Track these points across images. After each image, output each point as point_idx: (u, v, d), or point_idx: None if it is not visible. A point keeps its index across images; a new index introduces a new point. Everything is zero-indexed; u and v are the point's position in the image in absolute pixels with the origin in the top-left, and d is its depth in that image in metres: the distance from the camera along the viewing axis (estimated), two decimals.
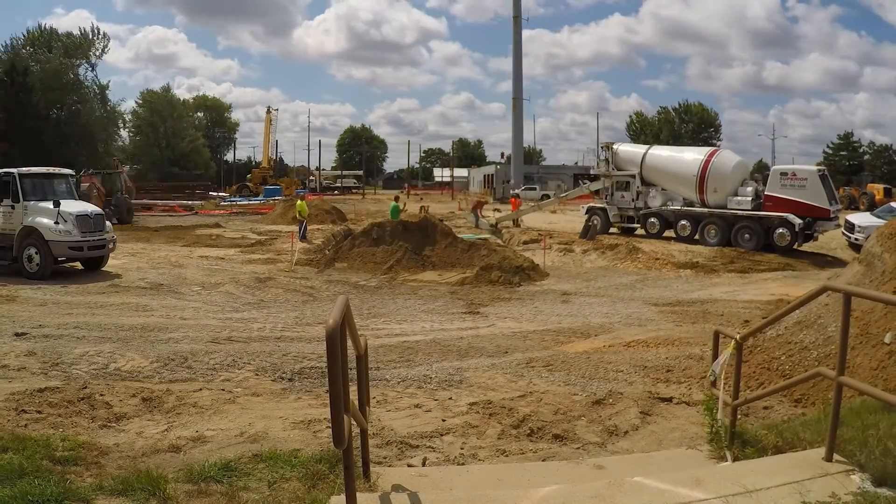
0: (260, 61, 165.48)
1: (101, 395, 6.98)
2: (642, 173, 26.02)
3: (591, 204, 28.56)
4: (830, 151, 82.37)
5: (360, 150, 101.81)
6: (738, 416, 5.25)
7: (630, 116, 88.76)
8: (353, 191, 73.91)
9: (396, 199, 27.64)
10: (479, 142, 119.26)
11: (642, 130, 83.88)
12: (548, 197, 57.55)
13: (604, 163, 27.68)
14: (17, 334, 9.65)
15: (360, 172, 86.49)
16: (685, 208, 24.14)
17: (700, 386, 7.53)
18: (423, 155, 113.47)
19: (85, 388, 7.21)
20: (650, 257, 20.34)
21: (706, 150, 26.21)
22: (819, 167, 23.24)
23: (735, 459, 4.69)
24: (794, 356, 7.49)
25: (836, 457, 4.01)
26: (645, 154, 26.57)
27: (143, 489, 4.14)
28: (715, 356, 5.96)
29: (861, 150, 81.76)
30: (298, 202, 27.80)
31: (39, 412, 6.40)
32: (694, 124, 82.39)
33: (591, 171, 31.47)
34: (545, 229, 27.87)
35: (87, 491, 4.12)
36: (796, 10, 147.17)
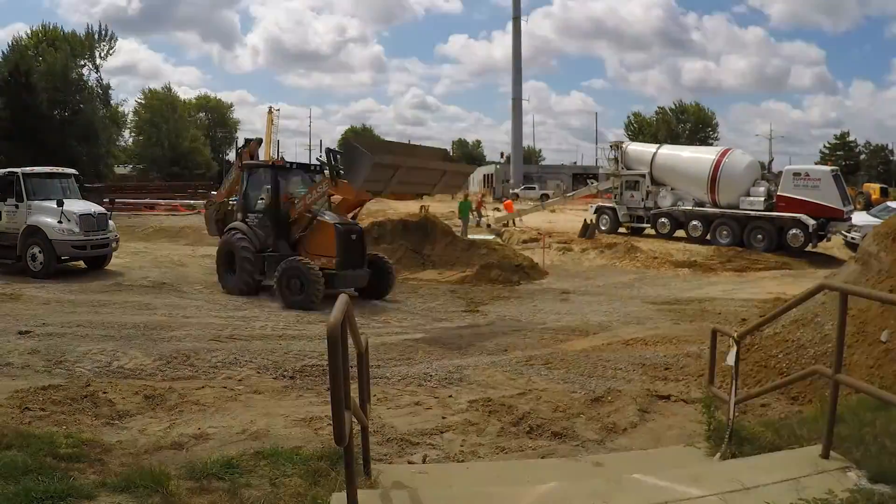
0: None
1: (105, 392, 6.98)
2: (652, 173, 25.72)
3: (600, 203, 28.22)
4: (827, 151, 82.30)
5: None
6: (736, 414, 5.25)
7: (628, 116, 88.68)
8: None
9: (466, 197, 29.04)
10: (479, 142, 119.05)
11: (640, 130, 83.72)
12: (547, 196, 57.69)
13: (612, 162, 27.38)
14: (21, 332, 9.64)
15: None
16: (696, 208, 23.81)
17: (698, 384, 7.53)
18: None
19: (88, 385, 7.21)
20: (648, 256, 20.37)
21: (717, 149, 25.91)
22: (832, 167, 22.89)
23: (733, 456, 4.69)
24: (791, 354, 7.49)
25: (832, 454, 4.01)
26: (655, 153, 26.24)
27: (146, 486, 4.14)
28: (713, 354, 5.97)
29: (857, 150, 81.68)
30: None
31: (43, 410, 6.40)
32: (691, 124, 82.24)
33: (600, 171, 31.55)
34: (544, 228, 27.87)
35: (90, 488, 4.11)
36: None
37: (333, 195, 13.88)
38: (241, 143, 19.28)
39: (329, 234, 12.95)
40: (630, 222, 26.38)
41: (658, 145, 28.28)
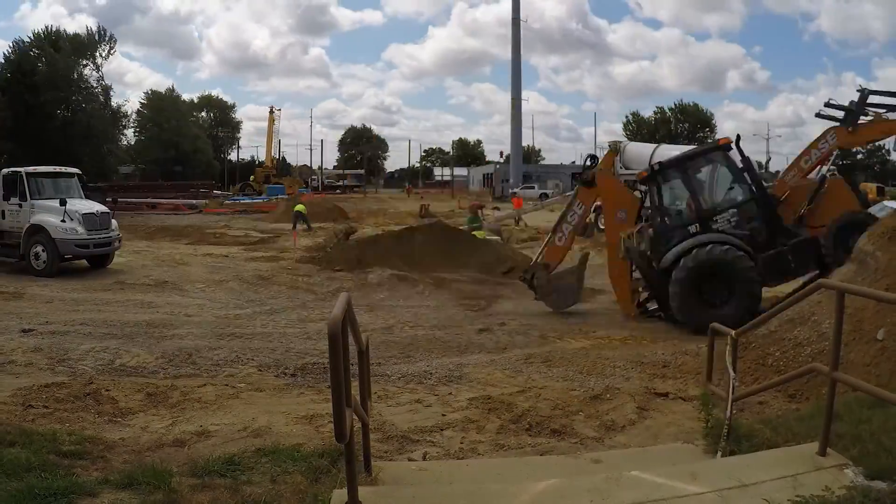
0: None
1: (107, 390, 6.98)
2: None
3: (598, 202, 28.03)
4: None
5: (362, 149, 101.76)
6: (734, 411, 5.24)
7: (627, 116, 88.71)
8: (355, 190, 73.86)
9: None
10: (479, 141, 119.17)
11: (639, 130, 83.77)
12: (546, 196, 57.66)
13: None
14: (24, 330, 9.64)
15: (362, 171, 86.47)
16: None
17: (696, 381, 7.53)
18: (423, 154, 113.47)
19: (91, 383, 7.21)
20: None
21: None
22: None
23: (730, 453, 4.69)
24: (788, 352, 7.50)
25: (829, 451, 4.01)
26: (654, 153, 25.85)
27: (148, 483, 4.14)
28: (710, 352, 5.97)
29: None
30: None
31: (46, 407, 6.40)
32: (690, 124, 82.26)
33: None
34: (543, 228, 27.85)
35: (93, 485, 4.11)
36: None
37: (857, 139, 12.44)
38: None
39: (842, 189, 11.50)
40: None
41: (656, 144, 28.18)
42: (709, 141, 78.76)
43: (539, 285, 12.26)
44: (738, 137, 11.22)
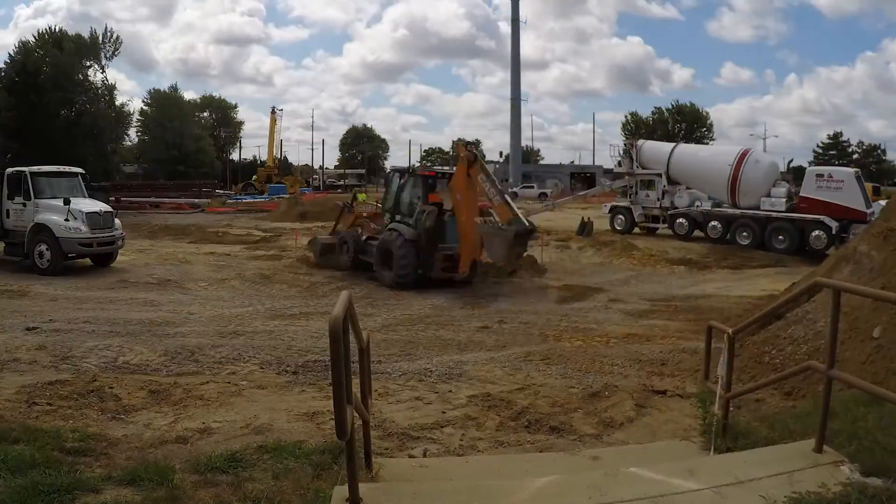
0: None
1: (110, 387, 6.98)
2: (669, 172, 24.77)
3: (615, 203, 27.25)
4: (820, 151, 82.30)
5: (362, 149, 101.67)
6: (731, 409, 5.24)
7: (625, 116, 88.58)
8: (356, 189, 73.79)
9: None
10: (478, 141, 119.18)
11: (637, 130, 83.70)
12: (546, 195, 57.62)
13: (626, 160, 26.26)
14: (28, 328, 9.64)
15: (363, 171, 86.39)
16: (716, 209, 22.97)
17: (693, 379, 7.53)
18: (423, 154, 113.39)
19: (94, 380, 7.21)
20: (645, 254, 20.36)
21: (736, 149, 24.57)
22: (855, 169, 22.08)
23: (727, 450, 4.69)
24: (785, 350, 7.50)
25: (826, 448, 4.00)
26: (672, 152, 25.22)
27: (151, 479, 4.13)
28: (708, 350, 5.96)
29: (850, 150, 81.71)
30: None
31: (50, 404, 6.40)
32: (687, 124, 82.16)
33: (614, 170, 29.59)
34: (542, 227, 27.84)
35: (96, 481, 4.11)
36: None
37: None
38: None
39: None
40: (645, 222, 25.64)
41: (675, 144, 27.33)
42: (705, 141, 79.05)
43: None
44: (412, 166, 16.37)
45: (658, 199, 25.04)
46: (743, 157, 23.03)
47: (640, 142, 27.30)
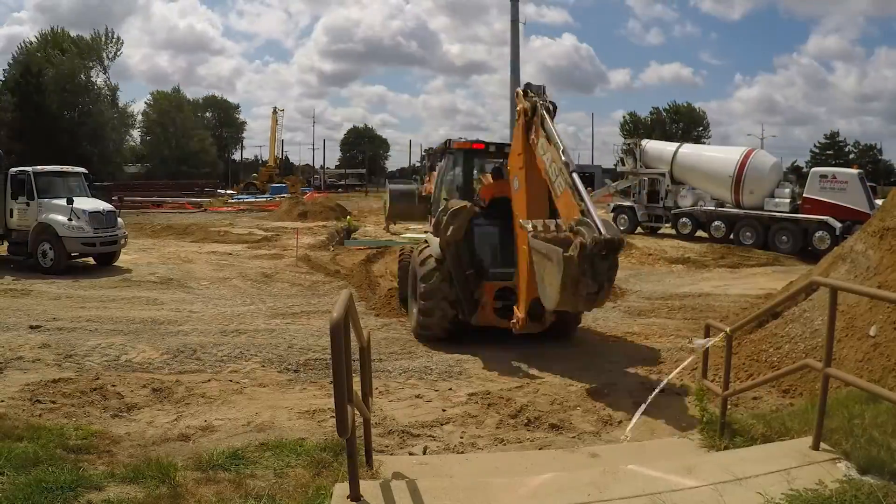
0: None
1: (113, 385, 6.98)
2: (672, 171, 24.66)
3: (618, 202, 27.11)
4: (817, 150, 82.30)
5: (363, 148, 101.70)
6: (728, 406, 5.24)
7: (624, 116, 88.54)
8: (357, 188, 73.86)
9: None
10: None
11: (635, 130, 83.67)
12: None
13: (629, 160, 26.08)
14: (31, 327, 9.64)
15: (363, 171, 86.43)
16: (719, 209, 22.92)
17: (691, 377, 7.53)
18: (423, 153, 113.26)
19: (97, 379, 7.20)
20: (643, 253, 20.35)
21: (741, 149, 24.44)
22: (858, 170, 21.94)
23: (725, 448, 4.69)
24: (782, 348, 7.49)
25: (822, 445, 4.01)
26: (676, 152, 25.14)
27: (154, 477, 4.14)
28: (706, 347, 5.96)
29: (847, 150, 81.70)
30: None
31: (53, 402, 6.40)
32: (684, 124, 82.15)
33: (617, 169, 28.99)
34: None
35: (99, 478, 4.11)
36: None
37: None
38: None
39: None
40: (648, 222, 25.58)
41: (678, 143, 27.11)
42: (703, 140, 78.90)
43: None
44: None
45: (661, 199, 24.97)
46: (747, 157, 22.94)
47: (644, 141, 27.14)
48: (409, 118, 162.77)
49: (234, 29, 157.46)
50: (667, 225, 24.95)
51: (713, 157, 24.59)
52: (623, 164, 27.03)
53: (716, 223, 22.94)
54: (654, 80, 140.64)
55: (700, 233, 23.68)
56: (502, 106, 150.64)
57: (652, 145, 26.74)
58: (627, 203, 26.26)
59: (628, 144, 27.18)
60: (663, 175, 24.92)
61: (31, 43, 45.87)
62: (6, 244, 16.63)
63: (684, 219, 24.04)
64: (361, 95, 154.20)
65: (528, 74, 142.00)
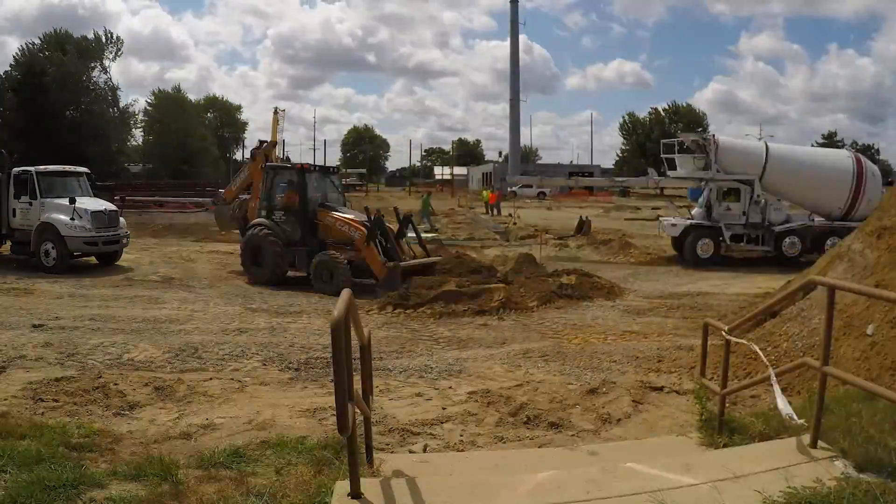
0: None
1: (115, 384, 6.97)
2: (764, 178, 18.79)
3: (689, 221, 19.50)
4: None
5: (364, 149, 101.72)
6: (727, 405, 5.24)
7: (623, 117, 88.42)
8: (357, 188, 73.83)
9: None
10: (478, 141, 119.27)
11: (634, 130, 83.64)
12: (544, 195, 57.51)
13: (698, 160, 19.79)
14: (34, 326, 9.64)
15: (364, 171, 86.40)
16: (837, 223, 18.30)
17: (690, 375, 7.53)
18: (423, 154, 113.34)
19: (99, 377, 7.20)
20: (642, 252, 20.35)
21: (844, 152, 20.94)
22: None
23: (724, 446, 4.69)
24: (780, 347, 7.48)
25: (820, 443, 4.01)
26: (768, 154, 19.10)
27: (156, 474, 4.13)
28: (704, 347, 5.96)
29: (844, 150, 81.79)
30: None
31: (56, 401, 6.40)
32: (683, 124, 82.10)
33: (670, 174, 21.35)
34: (541, 225, 27.86)
35: (101, 476, 4.11)
36: None
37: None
38: (253, 143, 20.71)
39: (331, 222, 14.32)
40: (739, 243, 19.23)
41: (763, 141, 20.97)
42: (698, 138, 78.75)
43: (217, 210, 18.35)
44: (309, 166, 15.78)
45: (742, 214, 18.87)
46: (860, 161, 19.30)
47: (717, 137, 19.77)
48: (384, 119, 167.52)
49: (198, 36, 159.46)
50: (763, 248, 19.17)
51: (822, 160, 19.97)
52: (680, 167, 20.56)
53: (831, 240, 17.13)
54: (612, 81, 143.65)
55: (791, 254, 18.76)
56: (479, 107, 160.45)
57: (731, 143, 19.90)
58: (704, 222, 19.18)
59: (697, 140, 20.45)
60: (749, 183, 18.93)
61: (34, 44, 45.92)
62: (9, 243, 16.63)
63: (791, 238, 18.66)
64: (332, 98, 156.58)
65: (482, 80, 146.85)
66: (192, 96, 73.35)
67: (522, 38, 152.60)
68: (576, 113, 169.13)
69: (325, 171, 16.38)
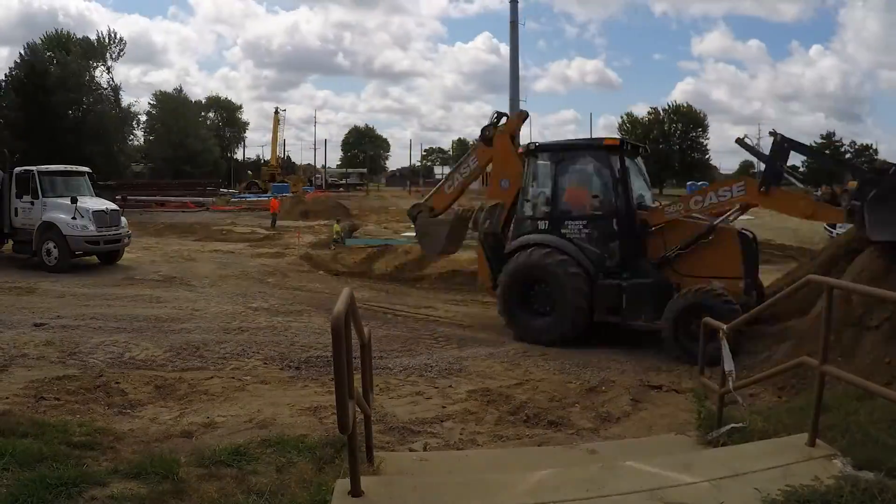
0: None
1: (117, 382, 6.98)
2: None
3: None
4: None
5: (364, 148, 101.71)
6: (726, 403, 5.24)
7: (621, 117, 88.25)
8: (358, 188, 73.84)
9: None
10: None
11: (633, 131, 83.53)
12: None
13: None
14: (36, 325, 9.64)
15: (364, 170, 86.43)
16: None
17: (688, 374, 7.52)
18: (423, 153, 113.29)
19: (101, 376, 7.20)
20: None
21: None
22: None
23: (723, 444, 4.68)
24: (779, 346, 7.49)
25: (819, 442, 4.00)
26: None
27: (157, 473, 4.13)
28: (703, 345, 5.95)
29: (843, 150, 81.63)
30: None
31: (58, 399, 6.40)
32: (683, 124, 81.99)
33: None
34: None
35: (103, 475, 4.10)
36: None
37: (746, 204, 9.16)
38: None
39: (731, 244, 8.98)
40: None
41: None
42: (701, 140, 78.66)
43: (419, 224, 12.02)
44: (623, 142, 9.93)
45: None
46: None
47: None
48: (370, 120, 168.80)
49: (174, 41, 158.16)
50: None
51: None
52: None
53: None
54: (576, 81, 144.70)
55: None
56: (455, 106, 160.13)
57: None
58: None
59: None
60: None
61: (36, 44, 45.83)
62: (11, 243, 16.64)
63: None
64: (312, 99, 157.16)
65: (450, 81, 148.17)
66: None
67: (486, 36, 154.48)
68: (551, 113, 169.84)
69: (634, 150, 10.42)
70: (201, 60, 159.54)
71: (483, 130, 11.49)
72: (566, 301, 9.09)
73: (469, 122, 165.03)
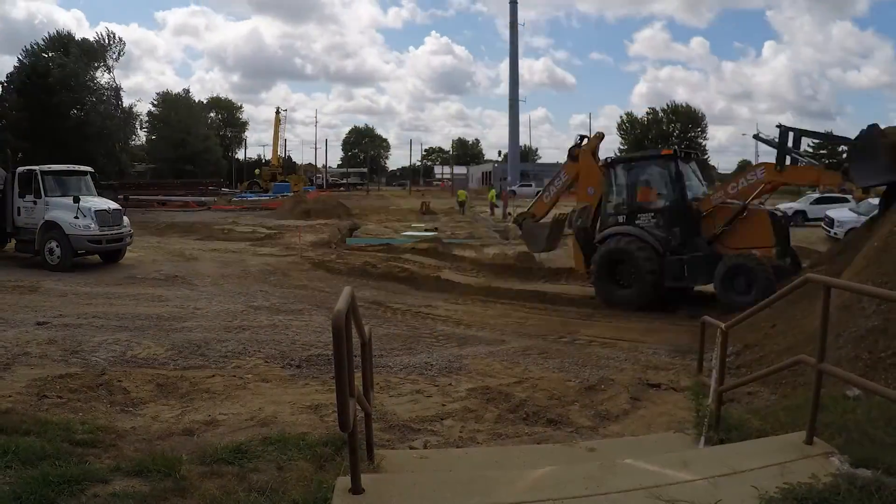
0: None
1: (119, 381, 6.97)
2: None
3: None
4: (811, 149, 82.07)
5: (364, 148, 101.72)
6: (724, 402, 5.24)
7: (621, 116, 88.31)
8: (358, 187, 73.85)
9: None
10: (477, 141, 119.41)
11: (632, 130, 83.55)
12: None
13: None
14: (38, 323, 9.64)
15: (365, 170, 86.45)
16: None
17: (687, 373, 7.53)
18: (424, 153, 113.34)
19: (103, 374, 7.20)
20: None
21: None
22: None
23: (720, 442, 4.68)
24: (778, 344, 7.48)
25: (816, 440, 4.00)
26: None
27: (159, 470, 4.13)
28: (701, 344, 5.97)
29: (841, 149, 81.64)
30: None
31: (60, 397, 6.40)
32: (682, 124, 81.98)
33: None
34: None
35: (105, 472, 4.10)
36: None
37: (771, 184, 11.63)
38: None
39: (761, 221, 11.62)
40: None
41: None
42: (700, 140, 78.68)
43: (525, 229, 14.81)
44: (676, 151, 12.68)
45: None
46: None
47: None
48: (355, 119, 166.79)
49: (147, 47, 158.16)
50: None
51: None
52: None
53: None
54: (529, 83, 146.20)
55: None
56: (428, 107, 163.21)
57: None
58: None
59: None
60: None
61: (38, 45, 45.85)
62: (14, 242, 16.65)
63: None
64: (287, 100, 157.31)
65: (413, 85, 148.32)
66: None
67: (445, 40, 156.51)
68: (526, 111, 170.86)
69: (687, 156, 13.02)
70: (178, 68, 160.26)
71: (570, 150, 14.09)
72: (642, 274, 11.74)
73: (452, 122, 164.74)
